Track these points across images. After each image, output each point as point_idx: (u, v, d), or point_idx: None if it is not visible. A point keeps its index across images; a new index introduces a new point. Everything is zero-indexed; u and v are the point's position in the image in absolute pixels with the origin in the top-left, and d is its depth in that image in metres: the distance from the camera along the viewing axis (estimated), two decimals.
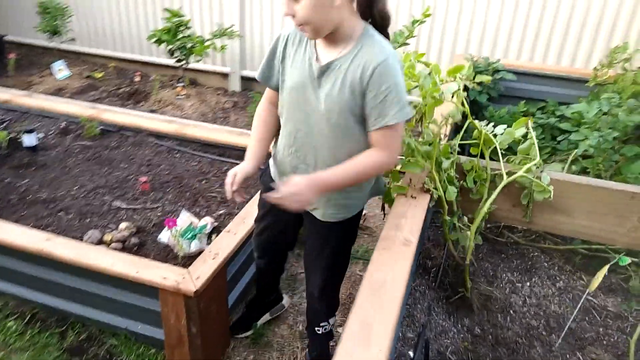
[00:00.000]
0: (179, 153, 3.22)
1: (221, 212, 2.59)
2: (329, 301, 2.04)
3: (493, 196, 1.63)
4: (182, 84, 5.10)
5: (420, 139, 1.80)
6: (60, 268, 2.16)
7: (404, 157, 1.69)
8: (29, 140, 3.04)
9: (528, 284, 2.29)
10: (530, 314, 2.10)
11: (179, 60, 4.82)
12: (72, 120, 3.47)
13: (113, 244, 2.27)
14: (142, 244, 2.32)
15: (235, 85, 5.41)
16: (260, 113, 1.80)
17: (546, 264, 2.41)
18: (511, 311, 2.11)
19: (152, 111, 4.68)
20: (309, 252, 1.95)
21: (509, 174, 1.79)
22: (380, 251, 1.37)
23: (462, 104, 1.81)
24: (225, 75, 5.45)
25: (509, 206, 1.98)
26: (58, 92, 5.12)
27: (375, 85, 1.42)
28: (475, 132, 1.92)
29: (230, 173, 1.70)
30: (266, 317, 2.40)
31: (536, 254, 2.46)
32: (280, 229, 2.02)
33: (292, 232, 2.06)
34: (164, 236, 2.28)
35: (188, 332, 2.00)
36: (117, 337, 2.24)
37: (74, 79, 5.47)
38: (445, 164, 1.84)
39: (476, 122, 1.87)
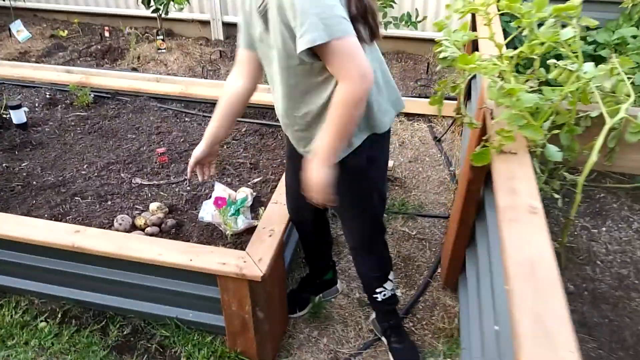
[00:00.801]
0: (187, 117, 2.92)
1: (255, 180, 2.36)
2: (376, 258, 1.87)
3: (599, 141, 1.46)
4: (161, 37, 4.65)
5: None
6: (93, 261, 1.92)
7: (516, 118, 1.46)
8: (17, 117, 2.67)
9: (604, 229, 2.15)
10: (617, 263, 1.98)
11: (155, 10, 4.35)
12: (58, 88, 3.09)
13: (148, 229, 2.02)
14: (180, 225, 2.09)
15: (217, 33, 4.99)
16: (227, 85, 1.66)
17: (615, 205, 2.28)
18: (597, 261, 1.98)
19: (134, 69, 4.27)
20: (335, 207, 1.73)
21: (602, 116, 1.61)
22: (507, 223, 1.20)
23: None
24: (205, 23, 5.01)
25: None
26: (23, 56, 4.61)
27: (287, 7, 1.24)
28: (556, 72, 1.72)
29: (191, 158, 1.73)
30: (318, 298, 2.25)
31: (602, 195, 2.32)
32: (300, 184, 1.84)
33: None
34: (206, 214, 2.05)
35: (253, 317, 1.83)
36: (167, 327, 2.05)
37: (36, 40, 4.93)
38: None
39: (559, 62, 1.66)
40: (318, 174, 1.41)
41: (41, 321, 2.11)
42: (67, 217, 2.11)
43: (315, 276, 2.22)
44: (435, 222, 2.72)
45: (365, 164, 1.60)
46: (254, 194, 2.22)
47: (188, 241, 2.00)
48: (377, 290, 1.90)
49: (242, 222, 2.00)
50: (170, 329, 2.04)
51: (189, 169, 1.75)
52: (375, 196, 1.72)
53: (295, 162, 1.74)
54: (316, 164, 1.41)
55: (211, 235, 2.03)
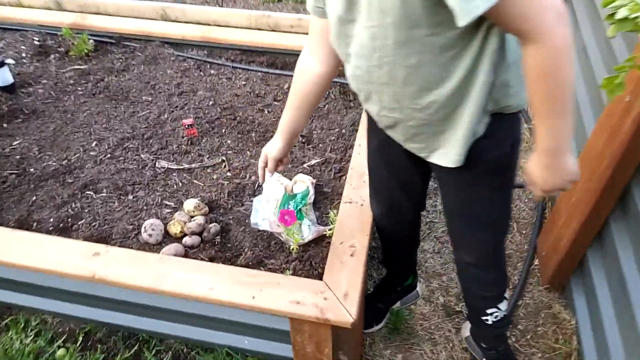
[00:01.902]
0: (213, 68, 2.34)
1: (312, 162, 1.85)
2: (495, 274, 1.44)
3: None
4: None
5: None
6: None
7: None
8: (2, 77, 2.11)
9: None
10: None
11: None
12: (49, 32, 2.48)
13: (187, 239, 1.56)
14: (226, 230, 1.62)
15: None
16: (300, 68, 1.28)
17: None
18: None
19: None
20: (451, 213, 1.35)
21: None
22: None
23: None
24: None
25: None
26: None
27: None
28: None
29: (261, 158, 1.39)
30: (396, 306, 1.82)
31: None
32: (400, 181, 1.41)
33: (418, 186, 1.45)
34: (262, 220, 1.57)
35: (332, 358, 1.42)
36: (214, 353, 1.65)
37: None
38: None
39: None
40: (565, 167, 1.02)
41: (59, 347, 1.70)
42: (80, 222, 1.64)
43: (396, 283, 1.78)
44: (520, 194, 2.24)
45: (510, 152, 1.17)
46: (314, 181, 1.73)
47: (239, 255, 1.54)
48: (488, 311, 1.47)
49: (308, 230, 1.53)
50: (219, 355, 1.64)
51: (260, 172, 1.40)
52: (502, 202, 1.27)
53: (388, 154, 1.33)
54: (554, 158, 1.01)
55: (268, 245, 1.56)
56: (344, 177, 1.76)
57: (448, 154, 1.13)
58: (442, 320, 1.81)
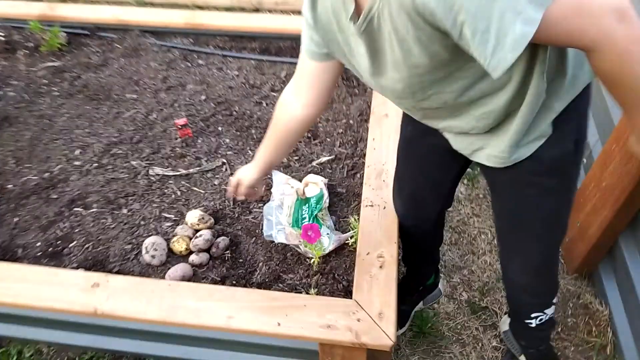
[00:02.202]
0: (201, 58, 2.14)
1: (323, 159, 1.70)
2: (547, 283, 1.34)
3: None
4: None
5: None
6: None
7: None
8: None
9: None
10: None
11: None
12: (14, 25, 2.24)
13: (194, 257, 1.41)
14: (235, 243, 1.47)
15: None
16: (282, 105, 1.21)
17: None
18: None
19: None
20: (500, 215, 1.23)
21: None
22: None
23: None
24: None
25: None
26: None
27: (444, 14, 0.70)
28: None
29: (233, 180, 1.35)
30: (419, 306, 1.71)
31: None
32: (432, 177, 1.29)
33: (449, 183, 1.33)
34: (277, 232, 1.42)
35: None
36: None
37: None
38: None
39: None
40: None
41: None
42: (71, 244, 1.47)
43: (418, 283, 1.67)
44: None
45: (572, 151, 1.03)
46: (326, 181, 1.58)
47: (254, 271, 1.40)
48: (533, 315, 1.38)
49: (329, 240, 1.39)
50: None
51: (230, 190, 1.36)
52: (571, 198, 1.14)
53: (423, 145, 1.21)
54: None
55: (284, 257, 1.42)
56: (357, 175, 1.62)
57: (495, 153, 1.01)
58: (468, 318, 1.71)
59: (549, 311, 1.36)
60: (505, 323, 1.60)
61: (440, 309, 1.73)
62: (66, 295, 1.25)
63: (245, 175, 1.32)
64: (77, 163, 1.71)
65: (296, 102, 1.16)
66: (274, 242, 1.44)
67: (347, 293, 1.32)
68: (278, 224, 1.44)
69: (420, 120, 1.08)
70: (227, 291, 1.25)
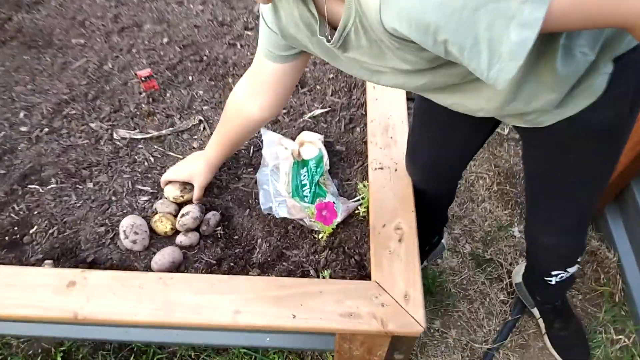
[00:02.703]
0: None
1: (316, 111, 1.49)
2: (576, 241, 1.25)
3: None
4: None
5: None
6: None
7: None
8: None
9: None
10: None
11: None
12: None
13: (182, 238, 1.22)
14: (227, 217, 1.28)
15: None
16: (234, 105, 1.17)
17: None
18: None
19: None
20: (532, 177, 1.12)
21: None
22: None
23: None
24: None
25: None
26: None
27: (420, 37, 0.62)
28: None
29: (171, 175, 1.29)
30: (423, 265, 1.62)
31: None
32: (456, 138, 1.15)
33: (475, 147, 1.21)
34: (278, 205, 1.24)
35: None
36: (229, 355, 1.41)
37: None
38: None
39: None
40: None
41: None
42: (32, 230, 1.24)
43: (425, 243, 1.56)
44: None
45: (627, 113, 0.89)
46: (322, 138, 1.40)
47: (252, 249, 1.23)
48: (554, 273, 1.30)
49: (337, 209, 1.23)
50: (236, 359, 1.41)
51: (163, 182, 1.30)
52: (615, 164, 1.02)
53: (441, 112, 1.01)
54: None
55: (285, 231, 1.26)
56: (357, 130, 1.44)
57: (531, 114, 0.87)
58: (474, 272, 1.64)
59: (572, 269, 1.29)
60: (518, 274, 1.53)
61: (445, 264, 1.65)
62: (37, 299, 1.05)
63: (182, 169, 1.27)
64: (23, 129, 1.43)
65: (252, 104, 1.11)
66: (271, 214, 1.27)
67: (361, 269, 1.18)
68: (277, 194, 1.26)
69: (426, 96, 0.92)
70: (230, 281, 1.09)
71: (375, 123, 1.35)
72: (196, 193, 1.26)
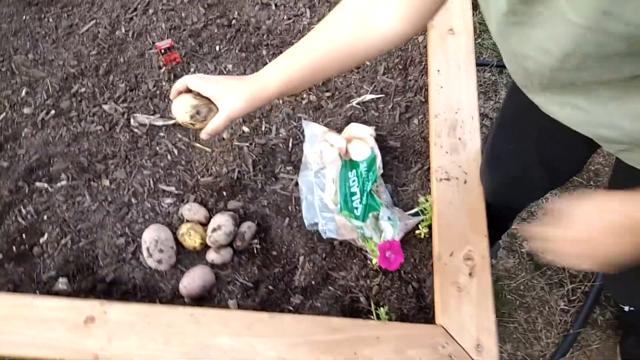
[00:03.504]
0: None
1: (367, 96, 1.26)
2: None
3: None
4: None
5: None
6: None
7: None
8: None
9: None
10: None
11: None
12: None
13: (213, 255, 1.05)
14: (264, 228, 1.10)
15: None
16: (360, 5, 0.75)
17: None
18: None
19: None
20: None
21: None
22: None
23: None
24: None
25: None
26: None
27: None
28: None
29: (193, 83, 0.88)
30: None
31: None
32: (550, 160, 0.95)
33: (573, 167, 1.02)
34: (326, 223, 1.05)
35: None
36: None
37: None
38: None
39: None
40: (615, 238, 0.59)
41: None
42: (42, 239, 1.08)
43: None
44: None
45: None
46: (374, 133, 1.18)
47: (293, 268, 1.07)
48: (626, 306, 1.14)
49: (392, 229, 1.04)
50: None
51: (174, 91, 0.92)
52: None
53: (537, 118, 0.79)
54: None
55: (331, 247, 1.08)
56: (415, 121, 1.22)
57: None
58: (532, 276, 1.47)
59: None
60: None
61: (500, 265, 1.48)
62: (51, 337, 0.91)
63: (226, 90, 0.84)
64: (26, 111, 1.24)
65: (386, 7, 0.73)
66: (311, 226, 1.08)
67: (419, 298, 1.02)
68: (323, 208, 1.07)
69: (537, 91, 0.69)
70: (272, 321, 0.94)
71: (440, 119, 1.12)
72: (217, 123, 0.86)
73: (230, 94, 0.83)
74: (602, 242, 0.59)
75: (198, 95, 0.89)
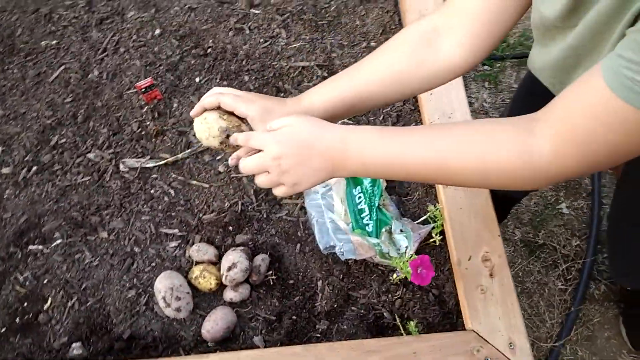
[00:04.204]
0: None
1: None
2: None
3: None
4: None
5: None
6: None
7: None
8: None
9: None
10: None
11: None
12: None
13: (231, 294, 1.03)
14: (276, 258, 1.09)
15: None
16: (421, 34, 0.76)
17: None
18: None
19: None
20: (627, 208, 1.02)
21: None
22: None
23: None
24: None
25: None
26: None
27: None
28: None
29: (222, 95, 0.78)
30: None
31: None
32: None
33: None
34: (342, 246, 1.05)
35: None
36: None
37: None
38: None
39: None
40: (307, 154, 0.68)
41: None
42: (46, 305, 1.03)
43: None
44: None
45: None
46: None
47: (314, 295, 1.06)
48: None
49: (406, 241, 1.05)
50: None
51: (198, 108, 0.81)
52: None
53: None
54: (325, 141, 0.69)
55: (347, 268, 1.09)
56: None
57: None
58: (528, 261, 1.53)
59: None
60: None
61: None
62: None
63: (265, 103, 0.77)
64: (5, 170, 1.17)
65: (450, 37, 0.74)
66: (328, 249, 1.08)
67: (442, 304, 1.04)
68: (336, 230, 1.07)
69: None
70: (308, 353, 0.93)
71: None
72: (253, 137, 0.73)
73: (272, 118, 0.74)
74: (294, 161, 0.65)
75: (225, 113, 0.78)
